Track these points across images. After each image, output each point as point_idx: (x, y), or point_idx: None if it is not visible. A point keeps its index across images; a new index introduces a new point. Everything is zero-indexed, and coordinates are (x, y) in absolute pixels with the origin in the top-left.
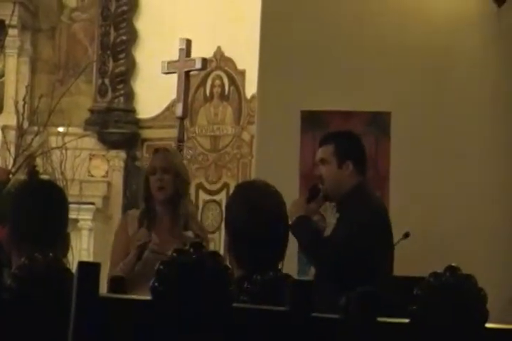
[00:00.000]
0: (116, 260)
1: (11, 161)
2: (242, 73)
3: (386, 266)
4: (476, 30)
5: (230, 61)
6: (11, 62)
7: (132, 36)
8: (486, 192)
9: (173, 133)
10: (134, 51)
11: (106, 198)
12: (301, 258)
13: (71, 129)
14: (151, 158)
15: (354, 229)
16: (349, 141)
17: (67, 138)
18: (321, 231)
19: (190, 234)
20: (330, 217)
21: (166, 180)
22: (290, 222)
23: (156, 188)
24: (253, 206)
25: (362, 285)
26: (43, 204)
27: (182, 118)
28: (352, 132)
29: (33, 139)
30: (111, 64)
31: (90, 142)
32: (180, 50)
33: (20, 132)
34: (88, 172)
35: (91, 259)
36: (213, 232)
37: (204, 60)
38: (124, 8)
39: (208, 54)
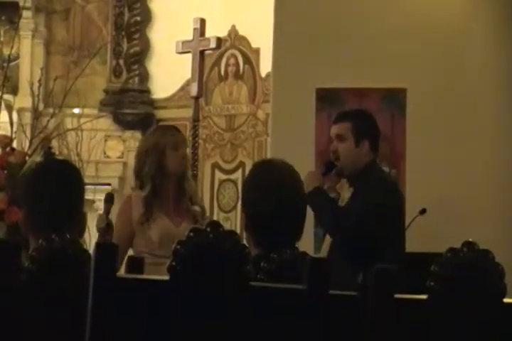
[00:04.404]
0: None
1: (27, 143)
2: (257, 51)
3: (397, 245)
4: (491, 11)
5: (244, 40)
6: (26, 44)
7: (146, 16)
8: (502, 169)
9: (188, 112)
10: (148, 31)
11: (122, 179)
12: (317, 236)
13: (86, 110)
14: (169, 135)
15: (369, 207)
16: (365, 119)
17: (82, 120)
18: (336, 202)
19: (197, 208)
20: (344, 191)
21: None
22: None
23: (180, 164)
24: (270, 185)
25: (371, 260)
26: (59, 185)
27: (197, 98)
28: (367, 111)
29: (48, 121)
30: (125, 44)
31: (105, 123)
32: (195, 29)
33: (36, 114)
34: (104, 153)
35: None
36: (229, 211)
37: (218, 39)
38: None
39: (222, 33)
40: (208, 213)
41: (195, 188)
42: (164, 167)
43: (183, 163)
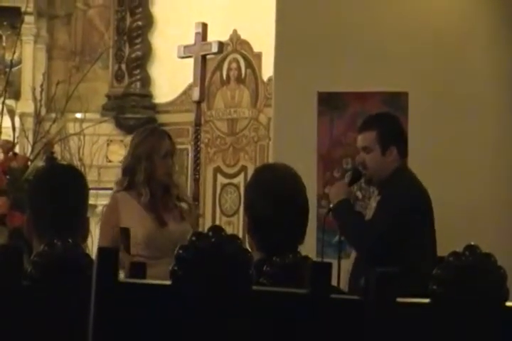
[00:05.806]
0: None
1: (29, 148)
2: (259, 56)
3: (429, 249)
4: (492, 14)
5: (246, 44)
6: (28, 50)
7: (148, 21)
8: (504, 171)
9: (190, 117)
10: (150, 36)
11: None
12: (320, 240)
13: (88, 115)
14: (158, 141)
15: (395, 214)
16: (390, 124)
17: (84, 124)
18: (363, 215)
19: (184, 205)
20: (371, 200)
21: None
22: (331, 205)
23: (166, 173)
24: (273, 189)
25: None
26: (62, 190)
27: (199, 102)
28: (391, 114)
29: (50, 126)
30: (127, 49)
31: (108, 128)
32: (197, 33)
33: (38, 119)
34: (106, 157)
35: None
36: (232, 215)
37: (220, 44)
38: None
39: (224, 37)
40: (209, 215)
41: (183, 189)
42: (153, 174)
43: (170, 172)
